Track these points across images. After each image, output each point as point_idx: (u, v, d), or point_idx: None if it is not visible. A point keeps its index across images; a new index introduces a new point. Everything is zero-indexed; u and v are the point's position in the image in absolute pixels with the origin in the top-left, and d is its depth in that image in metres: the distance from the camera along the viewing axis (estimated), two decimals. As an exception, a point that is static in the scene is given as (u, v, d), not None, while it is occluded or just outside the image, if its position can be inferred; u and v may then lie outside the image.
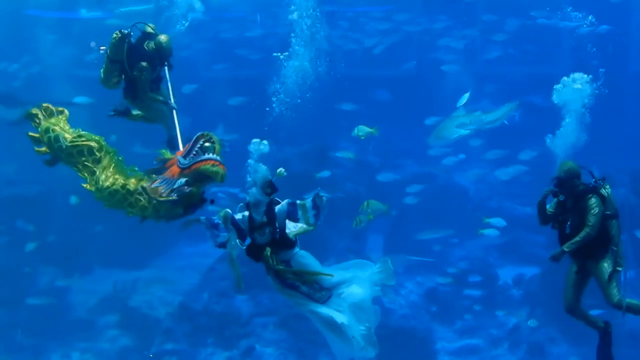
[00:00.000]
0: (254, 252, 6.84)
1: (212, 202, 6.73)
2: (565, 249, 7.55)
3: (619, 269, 7.58)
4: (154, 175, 6.73)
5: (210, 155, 6.38)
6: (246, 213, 6.85)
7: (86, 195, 7.35)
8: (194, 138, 6.49)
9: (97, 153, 7.04)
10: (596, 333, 7.97)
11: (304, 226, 6.86)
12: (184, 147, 6.77)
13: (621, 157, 18.69)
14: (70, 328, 16.83)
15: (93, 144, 7.07)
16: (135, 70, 7.34)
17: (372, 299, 6.94)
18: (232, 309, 15.82)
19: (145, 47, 7.37)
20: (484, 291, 16.70)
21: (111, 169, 6.99)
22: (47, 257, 17.72)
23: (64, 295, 17.64)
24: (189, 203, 6.65)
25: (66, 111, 7.48)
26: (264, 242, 6.78)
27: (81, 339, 16.66)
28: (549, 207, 7.89)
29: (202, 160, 6.35)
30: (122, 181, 6.91)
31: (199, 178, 6.47)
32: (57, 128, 7.23)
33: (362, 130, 14.38)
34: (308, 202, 6.89)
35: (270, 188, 6.79)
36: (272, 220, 6.78)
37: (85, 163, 7.07)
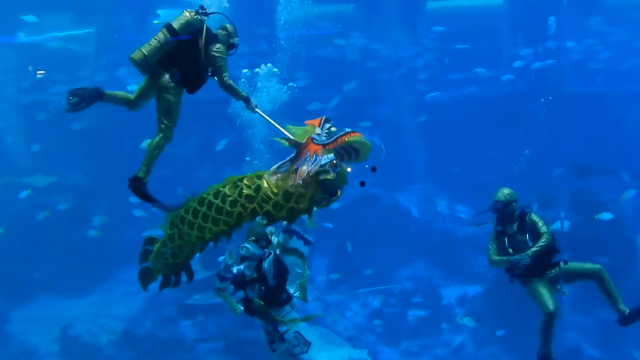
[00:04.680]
0: (247, 306, 6.75)
1: (373, 169, 5.69)
2: (529, 255, 8.24)
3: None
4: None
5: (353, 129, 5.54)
6: (241, 267, 6.76)
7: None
8: (322, 120, 5.65)
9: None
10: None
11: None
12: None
13: (561, 177, 19.19)
14: (10, 358, 16.39)
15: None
16: (212, 51, 6.53)
17: None
18: (176, 335, 15.59)
19: (217, 33, 6.68)
20: (428, 311, 16.82)
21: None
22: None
23: (3, 324, 17.17)
24: (335, 186, 5.62)
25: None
26: (256, 298, 6.69)
27: (22, 369, 16.28)
28: (491, 246, 8.53)
29: (349, 132, 5.47)
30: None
31: (342, 154, 5.55)
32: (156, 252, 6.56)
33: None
34: (281, 239, 6.66)
35: (265, 241, 6.74)
36: (261, 276, 6.67)
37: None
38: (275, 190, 5.58)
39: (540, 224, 8.46)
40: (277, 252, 6.62)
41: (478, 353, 15.83)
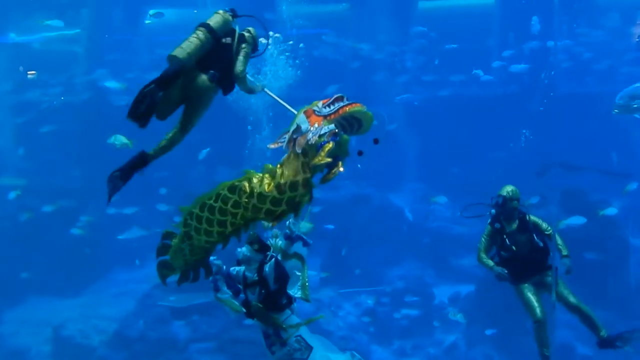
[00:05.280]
0: (247, 309, 6.73)
1: (376, 141, 5.44)
2: (567, 253, 8.37)
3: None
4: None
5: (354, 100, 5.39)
6: (242, 268, 6.73)
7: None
8: (333, 98, 5.44)
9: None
10: (534, 350, 8.43)
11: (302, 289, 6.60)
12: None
13: (551, 176, 19.25)
14: (3, 359, 16.33)
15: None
16: (241, 47, 6.52)
17: None
18: (168, 335, 15.57)
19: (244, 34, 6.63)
20: (420, 310, 16.85)
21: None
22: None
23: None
24: (335, 156, 5.40)
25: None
26: (256, 301, 6.66)
27: (14, 370, 16.22)
28: (484, 240, 8.58)
29: (351, 103, 5.31)
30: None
31: (345, 125, 5.42)
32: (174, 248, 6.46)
33: (118, 139, 13.49)
34: (283, 245, 6.64)
35: (258, 244, 6.68)
36: (262, 279, 6.62)
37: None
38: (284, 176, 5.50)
39: (544, 225, 8.57)
40: (279, 258, 6.58)
41: (470, 352, 15.87)
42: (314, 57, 22.15)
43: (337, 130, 5.27)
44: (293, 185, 5.46)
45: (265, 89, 6.68)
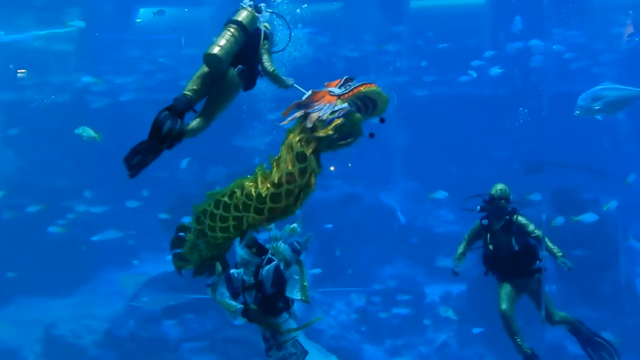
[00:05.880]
0: (245, 312, 6.68)
1: (371, 135, 5.55)
2: (562, 253, 8.21)
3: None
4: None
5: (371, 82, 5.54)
6: (241, 270, 6.70)
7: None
8: (343, 79, 5.66)
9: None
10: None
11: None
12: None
13: (543, 175, 19.27)
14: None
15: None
16: (266, 43, 6.46)
17: None
18: (160, 335, 15.54)
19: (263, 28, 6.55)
20: (412, 309, 16.85)
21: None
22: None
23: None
24: (346, 132, 5.48)
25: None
26: (253, 304, 6.63)
27: (4, 370, 16.13)
28: (470, 232, 8.54)
29: (365, 84, 5.50)
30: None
31: (359, 105, 5.54)
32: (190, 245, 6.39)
33: (86, 131, 12.60)
34: (288, 256, 6.54)
35: (255, 247, 6.64)
36: (258, 282, 6.58)
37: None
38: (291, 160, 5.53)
39: (531, 227, 8.42)
40: (281, 266, 6.53)
41: (462, 351, 15.89)
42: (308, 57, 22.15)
43: (348, 108, 5.36)
44: (301, 157, 5.49)
45: (295, 84, 6.53)
